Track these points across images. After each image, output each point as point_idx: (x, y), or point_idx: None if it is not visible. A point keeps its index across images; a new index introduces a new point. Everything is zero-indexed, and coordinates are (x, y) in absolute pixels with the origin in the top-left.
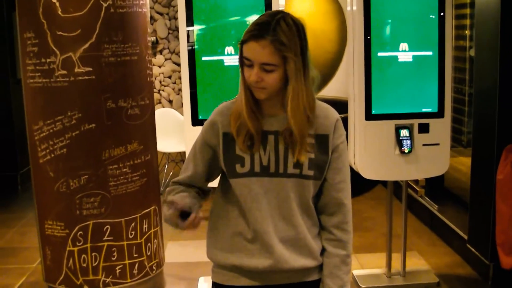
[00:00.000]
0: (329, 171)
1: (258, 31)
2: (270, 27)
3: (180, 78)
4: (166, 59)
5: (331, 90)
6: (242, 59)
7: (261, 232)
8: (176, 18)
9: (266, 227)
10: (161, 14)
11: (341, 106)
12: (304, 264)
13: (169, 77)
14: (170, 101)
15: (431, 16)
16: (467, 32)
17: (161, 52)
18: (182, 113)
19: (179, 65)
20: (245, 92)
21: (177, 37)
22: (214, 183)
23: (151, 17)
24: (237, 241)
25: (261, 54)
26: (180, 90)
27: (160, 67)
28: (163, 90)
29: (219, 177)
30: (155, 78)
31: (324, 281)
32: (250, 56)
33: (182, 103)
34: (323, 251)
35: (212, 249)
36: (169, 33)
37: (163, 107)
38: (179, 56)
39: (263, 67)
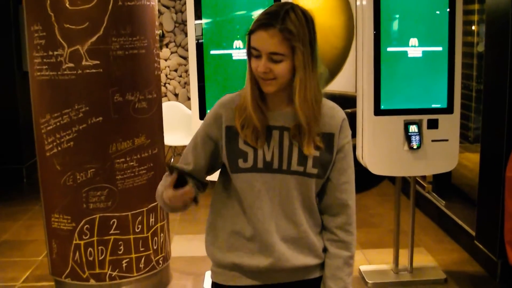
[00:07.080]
0: (334, 171)
1: (266, 20)
2: (279, 16)
3: (186, 71)
4: (172, 53)
5: (338, 85)
6: (249, 50)
7: (262, 231)
8: (182, 12)
9: (267, 226)
10: (167, 7)
11: (348, 101)
12: (306, 262)
13: (175, 70)
14: (176, 95)
15: (440, 11)
16: (475, 27)
17: (167, 45)
18: (187, 107)
19: (185, 58)
20: (251, 85)
21: (183, 31)
22: (213, 177)
23: (158, 11)
24: (236, 240)
25: (269, 43)
26: (186, 83)
27: (166, 60)
28: (169, 84)
29: (218, 171)
30: (161, 72)
31: (326, 282)
32: (258, 46)
33: (188, 97)
34: (324, 250)
35: (211, 248)
36: (175, 27)
37: (169, 100)
38: (185, 50)
39: (271, 57)
